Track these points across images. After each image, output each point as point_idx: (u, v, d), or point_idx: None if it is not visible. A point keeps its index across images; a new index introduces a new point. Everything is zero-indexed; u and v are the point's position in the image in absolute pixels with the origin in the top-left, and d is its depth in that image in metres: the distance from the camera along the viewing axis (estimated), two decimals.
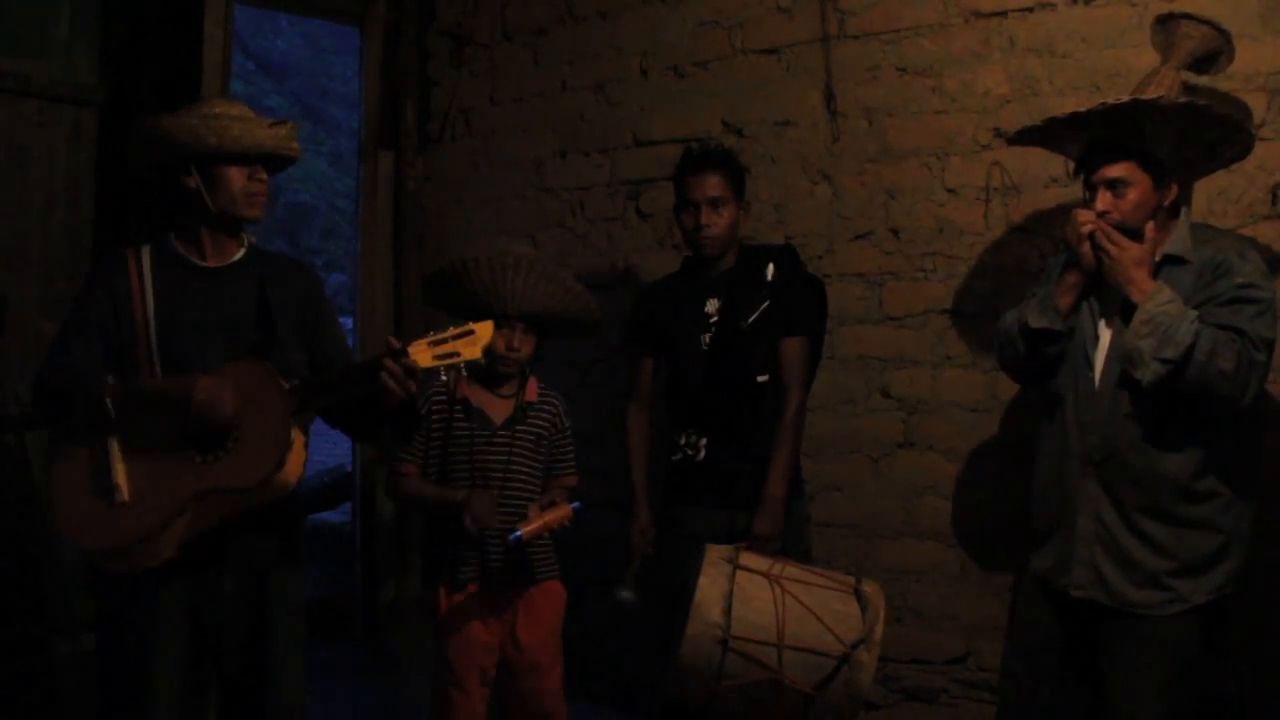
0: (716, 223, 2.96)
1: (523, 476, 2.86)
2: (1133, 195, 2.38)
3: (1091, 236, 2.40)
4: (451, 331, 2.28)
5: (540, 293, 2.78)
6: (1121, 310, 2.40)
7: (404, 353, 2.25)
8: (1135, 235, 2.38)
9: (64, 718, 3.31)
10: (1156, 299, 2.30)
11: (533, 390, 2.91)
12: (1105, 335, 2.47)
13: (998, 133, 3.18)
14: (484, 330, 2.28)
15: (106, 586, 2.39)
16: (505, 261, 2.77)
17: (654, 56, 3.86)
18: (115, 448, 2.24)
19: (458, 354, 2.26)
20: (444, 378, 2.33)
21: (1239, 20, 2.77)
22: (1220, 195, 2.86)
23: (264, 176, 2.42)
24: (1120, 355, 2.38)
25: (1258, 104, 2.82)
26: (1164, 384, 2.29)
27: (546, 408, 2.92)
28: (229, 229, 2.44)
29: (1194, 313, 2.28)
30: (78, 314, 2.39)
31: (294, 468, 2.28)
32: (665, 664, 2.60)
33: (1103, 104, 2.37)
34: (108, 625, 2.45)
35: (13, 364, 3.33)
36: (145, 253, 2.42)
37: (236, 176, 2.37)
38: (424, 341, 2.27)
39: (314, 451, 2.75)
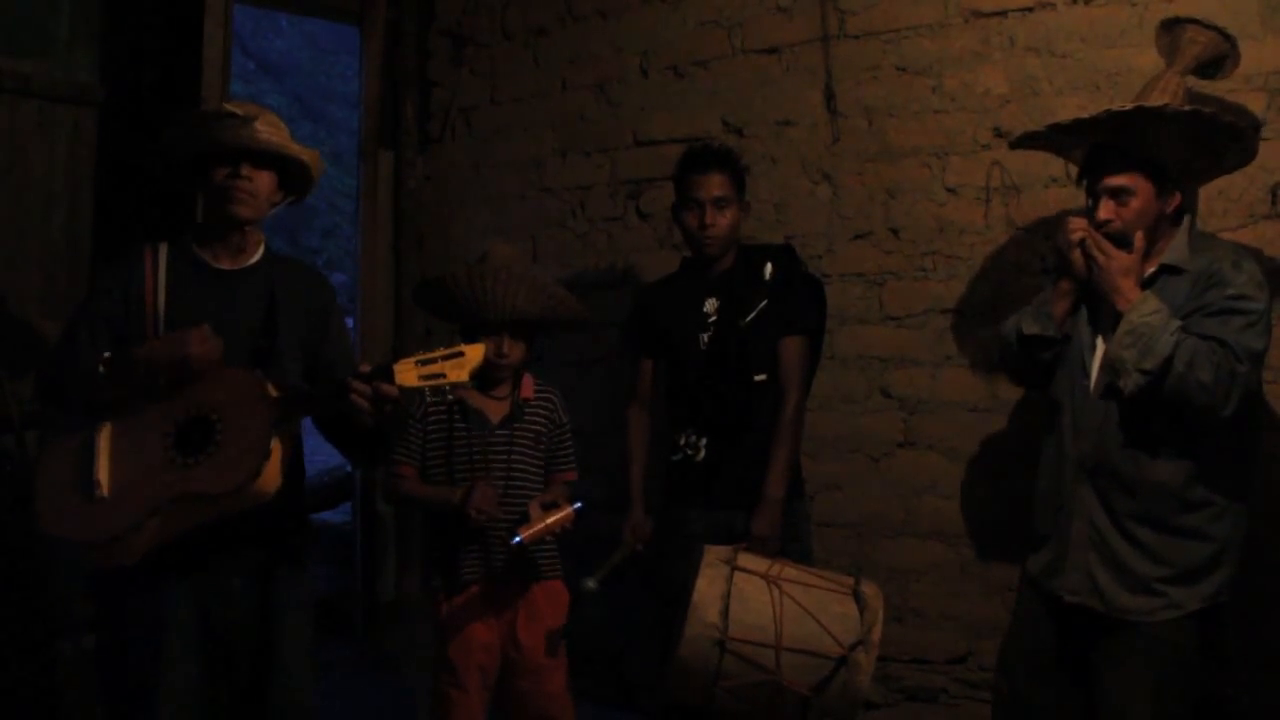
0: (720, 222, 2.96)
1: (524, 474, 2.86)
2: (1135, 203, 2.36)
3: (1082, 244, 2.39)
4: (440, 352, 2.25)
5: (521, 299, 2.78)
6: (1112, 319, 2.40)
7: (379, 375, 2.23)
8: (1125, 244, 2.36)
9: (66, 718, 3.31)
10: (1141, 309, 2.30)
11: (528, 387, 2.91)
12: (1101, 344, 2.46)
13: (998, 133, 3.17)
14: (474, 353, 2.25)
15: (111, 587, 2.38)
16: (483, 272, 2.78)
17: (654, 56, 3.86)
18: (103, 443, 2.23)
19: (444, 375, 2.23)
20: (429, 398, 2.30)
21: (1239, 21, 2.77)
22: (1220, 195, 2.86)
23: (248, 174, 2.38)
24: (1105, 364, 2.39)
25: (1257, 104, 2.82)
26: (1144, 394, 2.29)
27: (543, 403, 2.92)
28: (232, 229, 2.43)
29: (1177, 323, 2.28)
30: (88, 308, 2.40)
31: (271, 478, 2.26)
32: (664, 664, 2.61)
33: (1106, 111, 2.35)
34: (112, 626, 2.44)
35: (12, 364, 3.33)
36: (162, 251, 2.42)
37: (218, 173, 2.37)
38: (411, 360, 2.24)
39: (315, 451, 2.75)
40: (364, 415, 2.26)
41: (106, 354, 2.25)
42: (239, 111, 2.39)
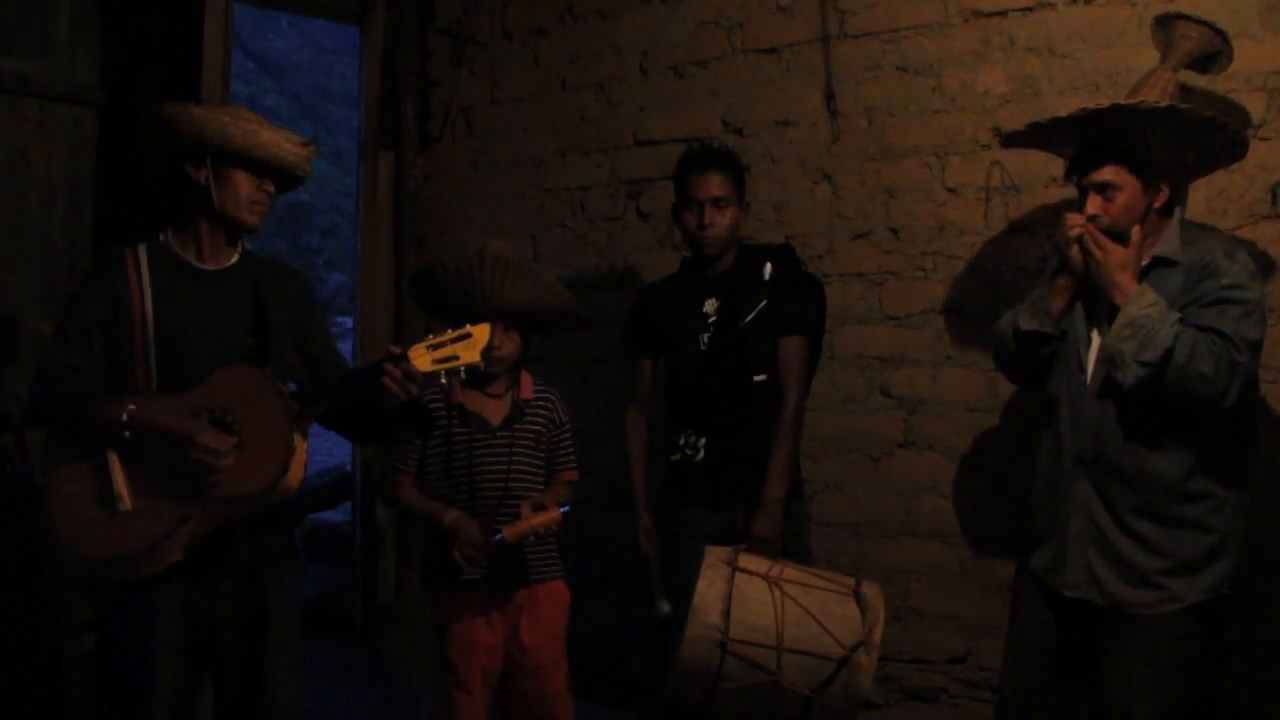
0: (720, 222, 2.96)
1: (525, 477, 2.85)
2: (1121, 198, 2.39)
3: (1080, 240, 2.41)
4: (449, 335, 2.28)
5: (511, 289, 2.77)
6: (1109, 313, 2.42)
7: (404, 358, 2.25)
8: (1123, 239, 2.39)
9: (64, 718, 3.31)
10: (1139, 302, 2.32)
11: (528, 387, 2.91)
12: (1097, 338, 2.48)
13: (997, 133, 3.17)
14: (481, 333, 2.27)
15: (106, 587, 2.38)
16: (473, 261, 2.77)
17: (654, 56, 3.86)
18: (114, 457, 2.23)
19: (456, 357, 2.26)
20: (443, 381, 2.32)
21: (1239, 20, 2.77)
22: (1220, 195, 2.86)
23: (271, 189, 2.42)
24: (1103, 357, 2.40)
25: (1257, 104, 2.82)
26: (1144, 386, 2.30)
27: (543, 404, 2.92)
28: (227, 232, 2.44)
29: (1175, 315, 2.29)
30: (77, 311, 2.38)
31: (296, 472, 2.28)
32: (665, 665, 2.61)
33: (1082, 109, 2.40)
34: (107, 626, 2.44)
35: (12, 364, 3.33)
36: (142, 252, 2.41)
37: (245, 182, 2.38)
38: (422, 346, 2.27)
39: (314, 451, 2.75)
40: (395, 398, 2.27)
41: (132, 406, 2.22)
42: (257, 119, 2.41)
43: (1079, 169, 2.47)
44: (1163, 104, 2.36)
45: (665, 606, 2.90)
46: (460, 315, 2.83)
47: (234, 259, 2.47)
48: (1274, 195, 2.83)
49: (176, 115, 2.36)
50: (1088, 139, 2.46)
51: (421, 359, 2.26)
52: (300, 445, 2.29)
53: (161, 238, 2.45)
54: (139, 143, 2.48)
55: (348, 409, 2.46)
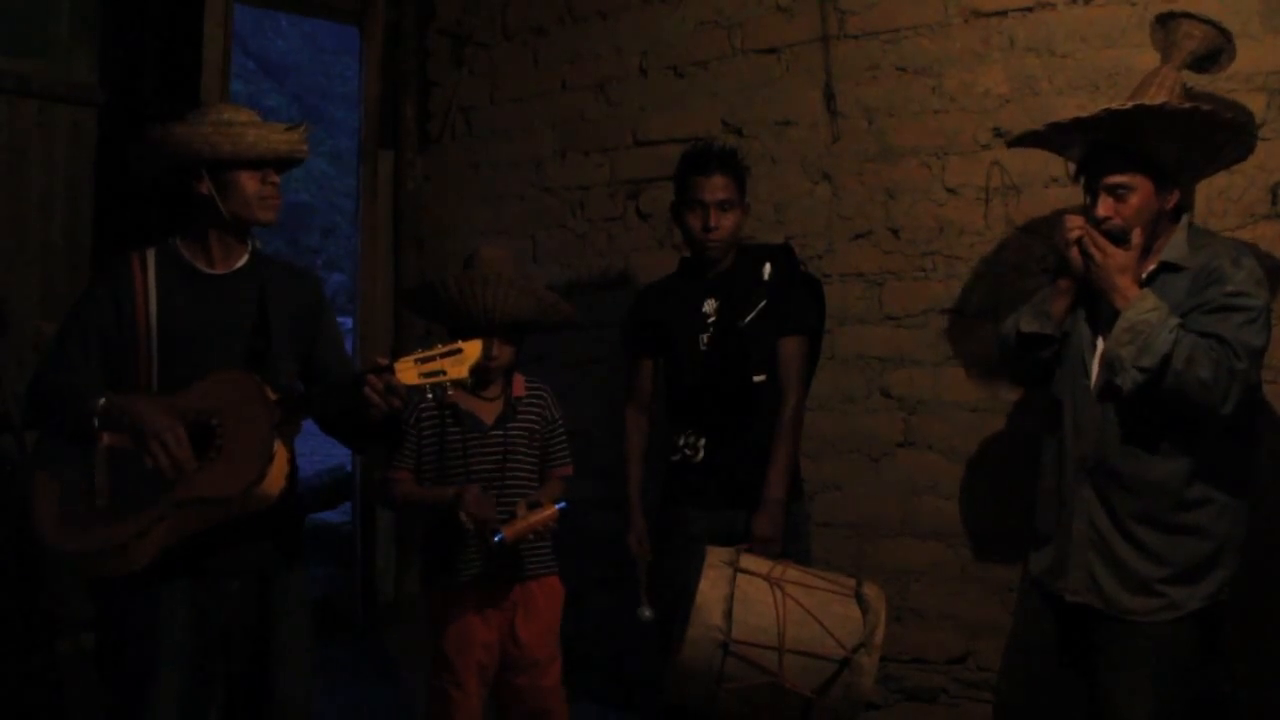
0: (725, 225, 2.96)
1: (519, 474, 2.87)
2: (1134, 200, 2.36)
3: (1079, 242, 2.39)
4: (439, 349, 2.27)
5: (509, 304, 2.79)
6: (1110, 317, 2.40)
7: (389, 370, 2.25)
8: (1123, 242, 2.37)
9: (66, 718, 3.31)
10: (1139, 307, 2.30)
11: (519, 385, 2.92)
12: (1101, 342, 2.46)
13: (998, 133, 3.17)
14: (471, 349, 2.27)
15: (110, 588, 2.38)
16: (470, 278, 2.79)
17: (654, 56, 3.86)
18: (101, 451, 2.23)
19: (444, 373, 2.25)
20: (430, 396, 2.32)
21: (1239, 20, 2.77)
22: (1220, 195, 2.86)
23: (275, 179, 2.42)
24: (1103, 362, 2.39)
25: (1257, 104, 2.82)
26: (1143, 392, 2.29)
27: (535, 401, 2.94)
28: (239, 233, 2.45)
29: (1175, 320, 2.27)
30: (78, 317, 2.38)
31: (275, 479, 2.26)
32: (666, 665, 2.61)
33: (1105, 109, 2.35)
34: (112, 627, 2.43)
35: (12, 364, 3.33)
36: (150, 257, 2.42)
37: (249, 182, 2.38)
38: (410, 359, 2.27)
39: (314, 451, 2.76)
40: (376, 409, 2.27)
41: (103, 400, 2.23)
42: (243, 117, 2.41)
43: (1090, 170, 2.44)
44: (1186, 105, 2.33)
45: (647, 612, 2.92)
46: (455, 327, 2.84)
47: (243, 260, 2.46)
48: (1274, 195, 2.82)
49: (162, 139, 2.37)
50: (1099, 140, 2.42)
51: (407, 372, 2.25)
52: (281, 452, 2.27)
53: (171, 242, 2.45)
54: (136, 170, 2.49)
55: (336, 415, 2.46)
